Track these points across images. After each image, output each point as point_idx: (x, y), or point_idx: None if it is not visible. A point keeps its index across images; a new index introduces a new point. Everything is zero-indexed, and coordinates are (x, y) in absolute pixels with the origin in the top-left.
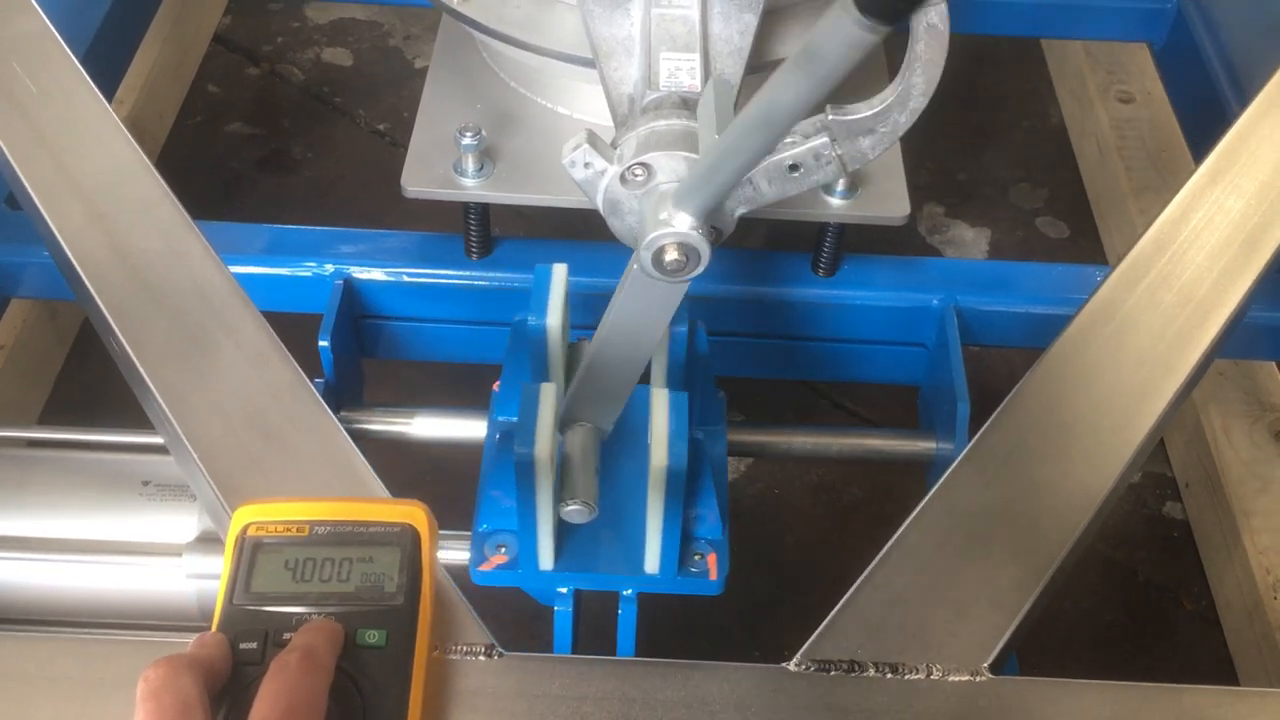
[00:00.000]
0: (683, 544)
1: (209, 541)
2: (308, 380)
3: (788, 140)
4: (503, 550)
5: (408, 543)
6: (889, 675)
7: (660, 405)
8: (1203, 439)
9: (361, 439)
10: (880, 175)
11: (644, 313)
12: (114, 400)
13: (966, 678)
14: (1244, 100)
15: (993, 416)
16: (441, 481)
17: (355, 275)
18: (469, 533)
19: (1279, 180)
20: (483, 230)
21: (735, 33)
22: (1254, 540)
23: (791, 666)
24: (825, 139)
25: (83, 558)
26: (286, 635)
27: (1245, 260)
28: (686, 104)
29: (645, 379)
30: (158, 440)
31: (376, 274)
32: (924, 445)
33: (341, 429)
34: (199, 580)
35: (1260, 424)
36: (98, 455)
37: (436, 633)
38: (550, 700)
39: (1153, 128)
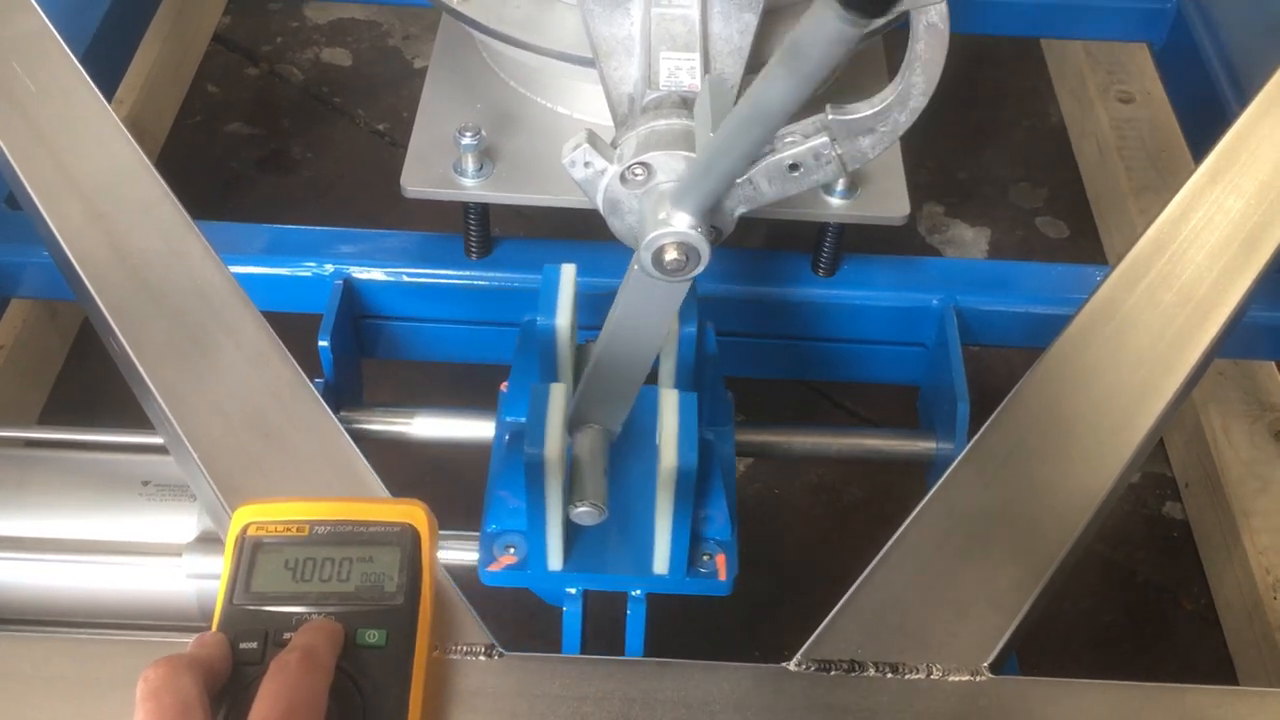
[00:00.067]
0: (691, 544)
1: (209, 541)
2: (307, 380)
3: (788, 140)
4: (511, 551)
5: (408, 542)
6: (889, 675)
7: (670, 406)
8: (1202, 439)
9: (361, 439)
10: (880, 175)
11: (647, 313)
12: (114, 400)
13: (966, 678)
14: (1244, 100)
15: (992, 416)
16: (441, 481)
17: (355, 275)
18: (469, 532)
19: (1279, 180)
20: (482, 230)
21: (735, 32)
22: (1254, 540)
23: (791, 666)
24: (825, 138)
25: (82, 558)
26: (286, 635)
27: (1245, 260)
28: (686, 103)
29: (653, 379)
30: (157, 440)
31: (376, 274)
32: (924, 445)
33: (341, 429)
34: (199, 580)
35: (1260, 424)
36: (97, 455)
37: (436, 632)
38: (550, 700)
39: (1152, 128)
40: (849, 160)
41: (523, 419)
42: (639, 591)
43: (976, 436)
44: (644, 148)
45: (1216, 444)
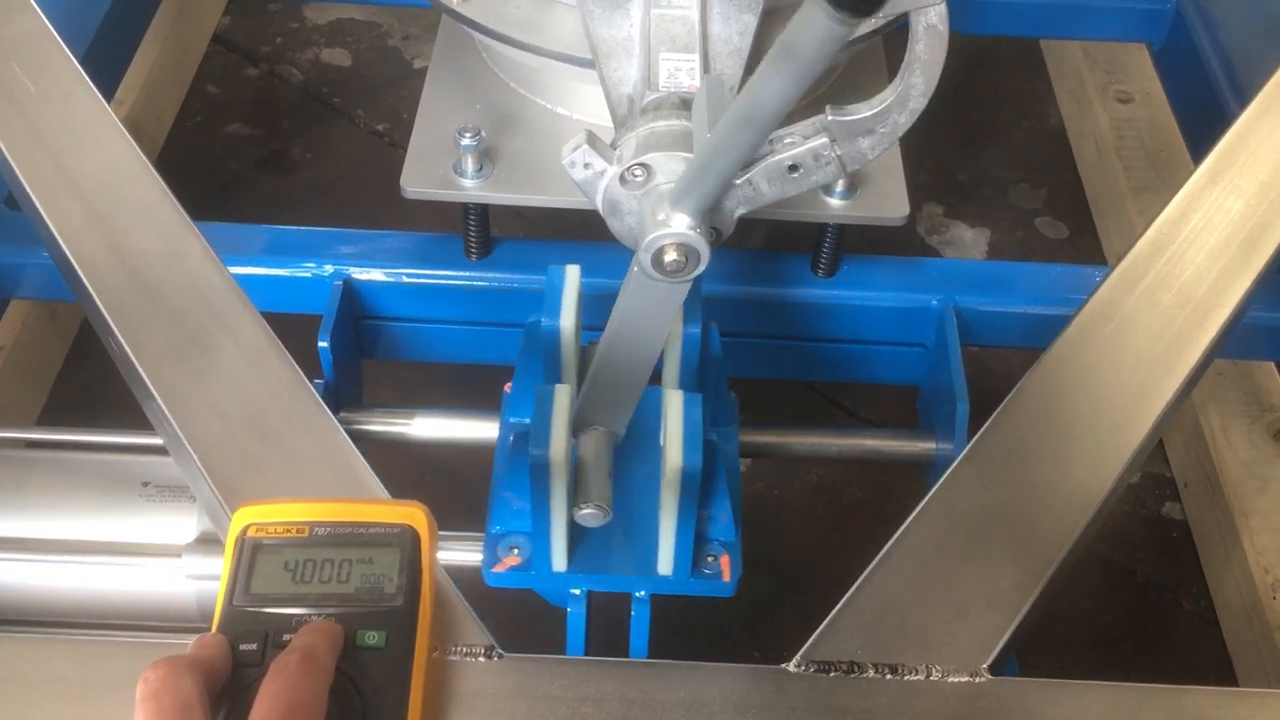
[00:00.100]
0: (696, 545)
1: (209, 542)
2: (307, 381)
3: (787, 141)
4: (516, 552)
5: (407, 544)
6: (888, 676)
7: (674, 407)
8: (1202, 439)
9: (361, 440)
10: (879, 176)
11: (648, 314)
12: (113, 401)
13: (966, 678)
14: (1243, 100)
15: (992, 417)
16: (441, 482)
17: (354, 276)
18: (469, 533)
19: (1278, 180)
20: (482, 231)
21: (735, 33)
22: (1253, 541)
23: (791, 667)
24: (825, 139)
25: (82, 559)
26: (286, 636)
27: (1244, 260)
28: (686, 104)
29: (658, 380)
30: (157, 441)
31: (376, 274)
32: (923, 446)
33: (341, 430)
34: (199, 581)
35: (1259, 424)
36: (97, 456)
37: (436, 634)
38: (550, 701)
39: (1151, 128)
40: (848, 161)
41: (527, 420)
42: (643, 593)
43: (976, 437)
44: (643, 149)
45: (1216, 444)
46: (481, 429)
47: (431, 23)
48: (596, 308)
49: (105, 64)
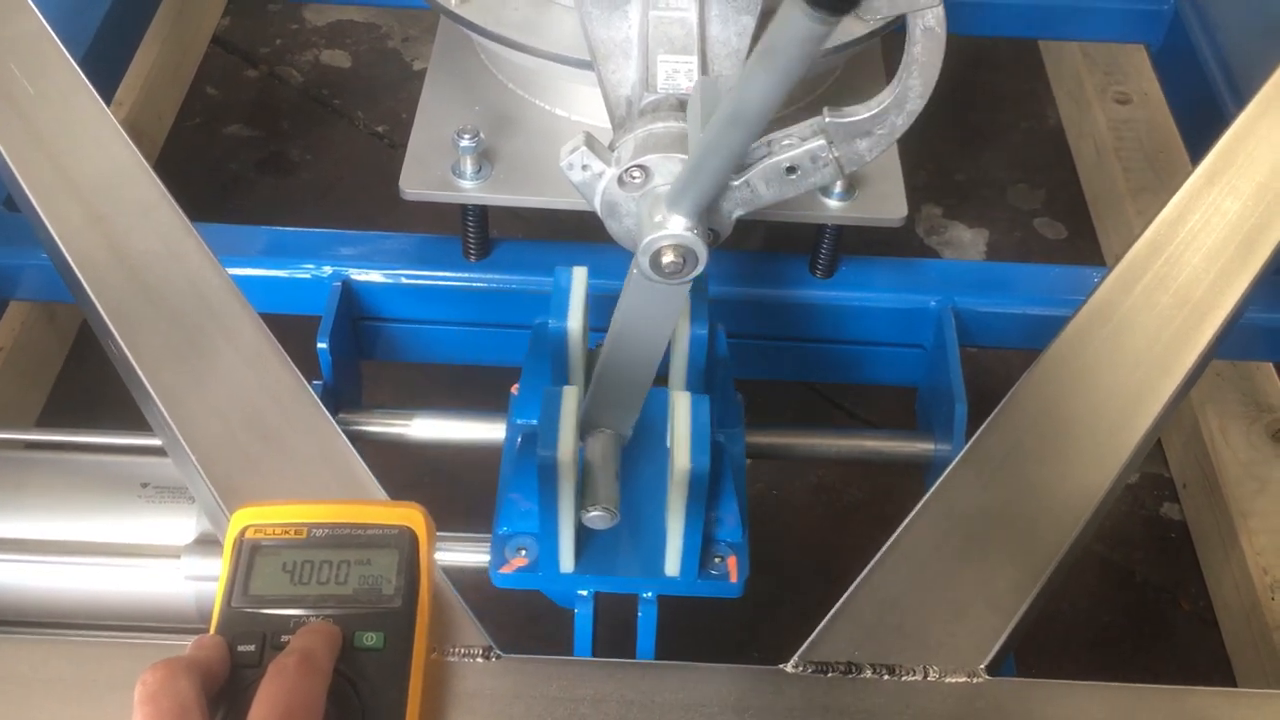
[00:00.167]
0: (703, 546)
1: (207, 544)
2: (306, 382)
3: (785, 142)
4: (523, 553)
5: (406, 545)
6: (886, 676)
7: (681, 408)
8: (1200, 440)
9: (360, 441)
10: (878, 177)
11: (649, 316)
12: (113, 402)
13: (964, 679)
14: (1241, 101)
15: (990, 418)
16: (440, 483)
17: (353, 277)
18: (468, 535)
19: (1276, 181)
20: (481, 232)
21: (733, 35)
22: (1251, 541)
23: (789, 668)
24: (822, 141)
25: (81, 560)
26: (284, 638)
27: (1242, 261)
28: (684, 106)
29: (664, 381)
30: (156, 442)
31: (375, 276)
32: (922, 446)
33: (340, 431)
34: (197, 582)
35: (1257, 425)
36: (96, 457)
37: (434, 635)
38: (548, 702)
39: (1150, 129)
40: (846, 163)
41: (534, 422)
42: (650, 594)
43: (974, 438)
44: (641, 150)
45: (1214, 445)
46: (481, 430)
47: (431, 24)
48: (597, 309)
49: (104, 65)
